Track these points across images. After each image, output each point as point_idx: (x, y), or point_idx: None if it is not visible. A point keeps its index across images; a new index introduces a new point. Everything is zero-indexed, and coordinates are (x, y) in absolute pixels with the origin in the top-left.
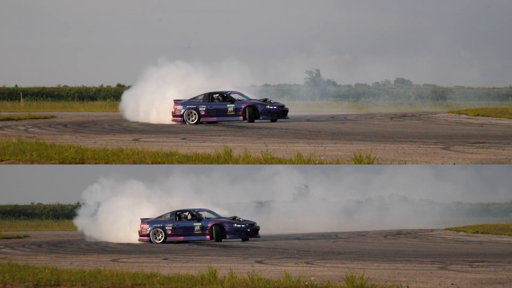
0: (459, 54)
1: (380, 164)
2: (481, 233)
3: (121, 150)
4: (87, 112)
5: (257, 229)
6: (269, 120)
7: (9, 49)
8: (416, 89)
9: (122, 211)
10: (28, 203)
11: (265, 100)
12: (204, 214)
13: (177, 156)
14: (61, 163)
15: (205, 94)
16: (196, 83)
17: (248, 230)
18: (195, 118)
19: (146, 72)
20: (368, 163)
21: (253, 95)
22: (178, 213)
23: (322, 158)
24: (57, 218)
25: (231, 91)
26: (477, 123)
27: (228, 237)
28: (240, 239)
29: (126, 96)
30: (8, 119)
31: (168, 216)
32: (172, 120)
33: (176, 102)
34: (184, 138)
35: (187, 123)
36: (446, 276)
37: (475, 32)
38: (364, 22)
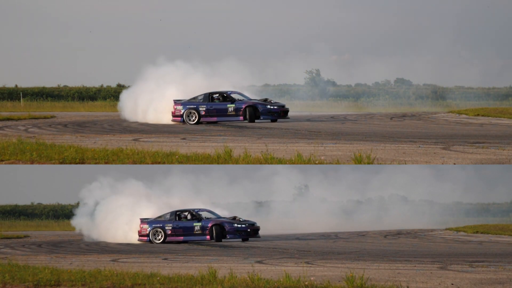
0: (459, 54)
1: (380, 164)
2: (481, 233)
3: (121, 150)
4: (87, 112)
5: (257, 229)
6: (270, 120)
7: (9, 49)
8: (416, 89)
9: (120, 210)
10: (28, 203)
11: (265, 100)
12: (204, 214)
13: (177, 156)
14: (61, 163)
15: (205, 94)
16: (195, 83)
17: (248, 230)
18: (195, 118)
19: (145, 72)
20: (368, 163)
21: (253, 95)
22: (178, 213)
23: (322, 158)
24: (57, 218)
25: (231, 91)
26: (477, 123)
27: (228, 237)
28: (240, 239)
29: (124, 95)
30: (8, 119)
31: (168, 216)
32: (172, 120)
33: (176, 102)
34: (184, 138)
35: (187, 123)
36: (446, 276)
37: (475, 32)
38: (364, 22)
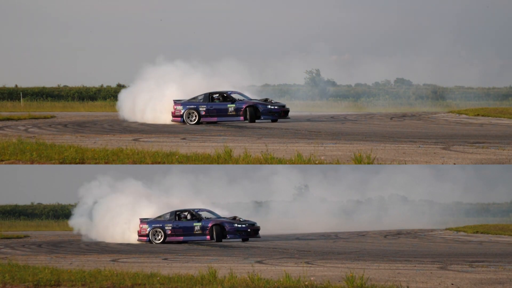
0: (459, 54)
1: (380, 164)
2: (481, 233)
3: (121, 150)
4: (87, 112)
5: (258, 229)
6: (270, 120)
7: (9, 49)
8: (416, 89)
9: (119, 209)
10: (28, 203)
11: (266, 100)
12: (204, 214)
13: (177, 156)
14: (61, 163)
15: (205, 94)
16: (194, 83)
17: (249, 230)
18: (195, 118)
19: (144, 71)
20: (368, 163)
21: (253, 95)
22: (177, 213)
23: (322, 158)
24: (57, 218)
25: (232, 91)
26: (477, 123)
27: (228, 237)
28: (240, 239)
29: (123, 95)
30: (8, 119)
31: (168, 216)
32: (172, 121)
33: (176, 102)
34: (184, 138)
35: (187, 124)
36: (446, 276)
37: (475, 32)
38: (364, 22)
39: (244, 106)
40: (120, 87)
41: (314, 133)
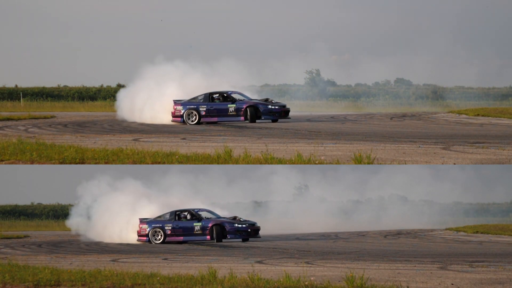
0: (459, 54)
1: (380, 164)
2: (481, 233)
3: (121, 150)
4: (87, 112)
5: (258, 229)
6: (270, 121)
7: (9, 49)
8: (416, 89)
9: (117, 209)
10: (28, 203)
11: (266, 100)
12: (204, 214)
13: (177, 156)
14: (61, 163)
15: (205, 94)
16: (193, 83)
17: (249, 230)
18: (196, 118)
19: (143, 71)
20: (368, 163)
21: (253, 95)
22: (177, 213)
23: (322, 158)
24: (57, 218)
25: (232, 91)
26: (477, 123)
27: (228, 237)
28: (241, 240)
29: (122, 94)
30: (8, 119)
31: (168, 216)
32: (172, 121)
33: (176, 102)
34: (184, 138)
35: (187, 124)
36: (446, 276)
37: (475, 32)
38: (364, 22)
39: (244, 106)
40: (120, 87)
41: (314, 133)
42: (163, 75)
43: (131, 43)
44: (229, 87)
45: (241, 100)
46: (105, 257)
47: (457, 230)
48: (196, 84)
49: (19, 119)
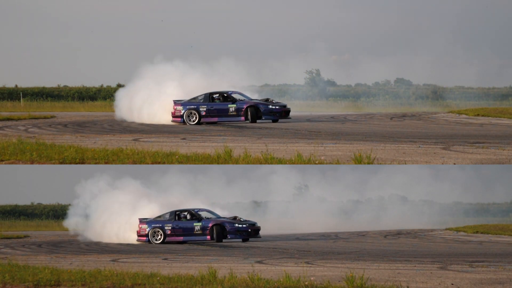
0: (459, 54)
1: (380, 164)
2: (481, 233)
3: (121, 150)
4: (87, 112)
5: (258, 229)
6: (271, 121)
7: (9, 49)
8: (416, 89)
9: (116, 207)
10: (28, 203)
11: (267, 100)
12: (204, 214)
13: (177, 156)
14: (61, 163)
15: (205, 94)
16: (193, 82)
17: (249, 230)
18: (196, 118)
19: (142, 70)
20: (368, 163)
21: (253, 95)
22: (177, 213)
23: (322, 158)
24: (57, 218)
25: (232, 91)
26: (477, 123)
27: (229, 237)
28: (241, 240)
29: (120, 94)
30: (8, 119)
31: (167, 216)
32: (172, 121)
33: (176, 102)
34: (184, 138)
35: (187, 124)
36: (446, 276)
37: (475, 32)
38: (363, 22)
39: (245, 106)
40: (120, 87)
41: (314, 133)
42: (163, 75)
43: (131, 43)
44: (229, 87)
45: (241, 100)
46: (105, 257)
47: (457, 230)
48: (195, 84)
49: (19, 119)
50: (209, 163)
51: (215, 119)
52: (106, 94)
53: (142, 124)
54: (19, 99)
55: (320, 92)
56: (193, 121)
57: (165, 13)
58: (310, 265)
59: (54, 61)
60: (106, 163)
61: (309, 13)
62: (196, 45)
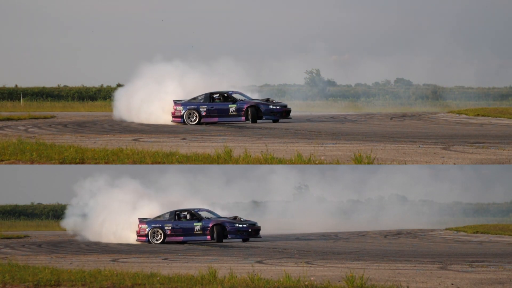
0: (458, 54)
1: (380, 164)
2: (481, 233)
3: (121, 150)
4: (87, 112)
5: (258, 229)
6: (271, 121)
7: (9, 49)
8: (416, 89)
9: (114, 207)
10: (28, 203)
11: (267, 100)
12: (204, 214)
13: (177, 156)
14: (61, 163)
15: (205, 94)
16: (192, 82)
17: (250, 230)
18: (196, 118)
19: (140, 70)
20: (368, 163)
21: (252, 95)
22: (177, 212)
23: (322, 158)
24: (57, 218)
25: (232, 91)
26: (477, 123)
27: (229, 237)
28: (241, 240)
29: (119, 93)
30: (8, 119)
31: (167, 216)
32: (172, 121)
33: (176, 102)
34: (184, 138)
35: (187, 124)
36: (446, 276)
37: (474, 32)
38: (363, 22)
39: (245, 106)
40: (120, 87)
41: (314, 133)
42: (162, 74)
43: (131, 43)
44: (229, 87)
45: (242, 100)
46: (105, 257)
47: (457, 230)
48: (195, 84)
49: (19, 119)
50: (209, 163)
51: (216, 119)
52: (106, 94)
53: (142, 124)
54: (19, 99)
55: (320, 92)
56: (193, 121)
57: (165, 13)
58: (310, 265)
59: (54, 61)
60: (106, 163)
61: (309, 13)
62: (196, 45)
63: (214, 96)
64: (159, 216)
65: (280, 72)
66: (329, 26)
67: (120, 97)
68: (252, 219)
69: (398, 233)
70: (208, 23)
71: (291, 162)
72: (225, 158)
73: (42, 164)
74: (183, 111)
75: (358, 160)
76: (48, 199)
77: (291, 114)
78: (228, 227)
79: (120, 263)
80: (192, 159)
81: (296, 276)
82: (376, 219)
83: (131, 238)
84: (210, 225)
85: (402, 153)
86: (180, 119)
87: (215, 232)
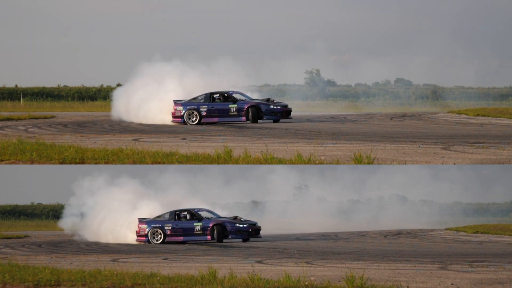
0: (458, 54)
1: (380, 164)
2: (481, 233)
3: (121, 150)
4: (87, 112)
5: (259, 229)
6: (272, 121)
7: (9, 49)
8: (416, 89)
9: (113, 206)
10: (28, 203)
11: (268, 100)
12: (204, 214)
13: (177, 156)
14: (61, 163)
15: (206, 94)
16: (191, 82)
17: (250, 230)
18: (196, 118)
19: (139, 69)
20: (368, 163)
21: (252, 95)
22: (177, 212)
23: (322, 158)
24: (57, 218)
25: (233, 91)
26: (477, 123)
27: (229, 237)
28: (241, 240)
29: (117, 93)
30: (8, 119)
31: (167, 216)
32: (172, 121)
33: (176, 102)
34: (184, 138)
35: (187, 124)
36: (446, 276)
37: (474, 32)
38: (363, 22)
39: (246, 106)
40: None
41: (314, 133)
42: (161, 74)
43: (131, 43)
44: (229, 87)
45: (242, 100)
46: (105, 257)
47: (457, 230)
48: (194, 83)
49: (19, 119)
50: (209, 163)
51: (216, 119)
52: (106, 94)
53: (142, 124)
54: (19, 99)
55: (320, 92)
56: (194, 121)
57: (165, 13)
58: (310, 265)
59: (54, 61)
60: (106, 163)
61: (309, 13)
62: (196, 45)
63: (215, 96)
64: (159, 216)
65: (280, 72)
66: (329, 26)
67: (118, 97)
68: (252, 219)
69: (398, 233)
70: (207, 23)
71: (291, 162)
72: (225, 158)
73: (42, 164)
74: (183, 111)
75: (358, 160)
76: (48, 199)
77: (291, 114)
78: (228, 227)
79: (120, 263)
80: (192, 159)
81: (296, 276)
82: (376, 219)
83: (130, 237)
84: (211, 225)
85: (402, 153)
86: (180, 119)
87: (215, 232)
